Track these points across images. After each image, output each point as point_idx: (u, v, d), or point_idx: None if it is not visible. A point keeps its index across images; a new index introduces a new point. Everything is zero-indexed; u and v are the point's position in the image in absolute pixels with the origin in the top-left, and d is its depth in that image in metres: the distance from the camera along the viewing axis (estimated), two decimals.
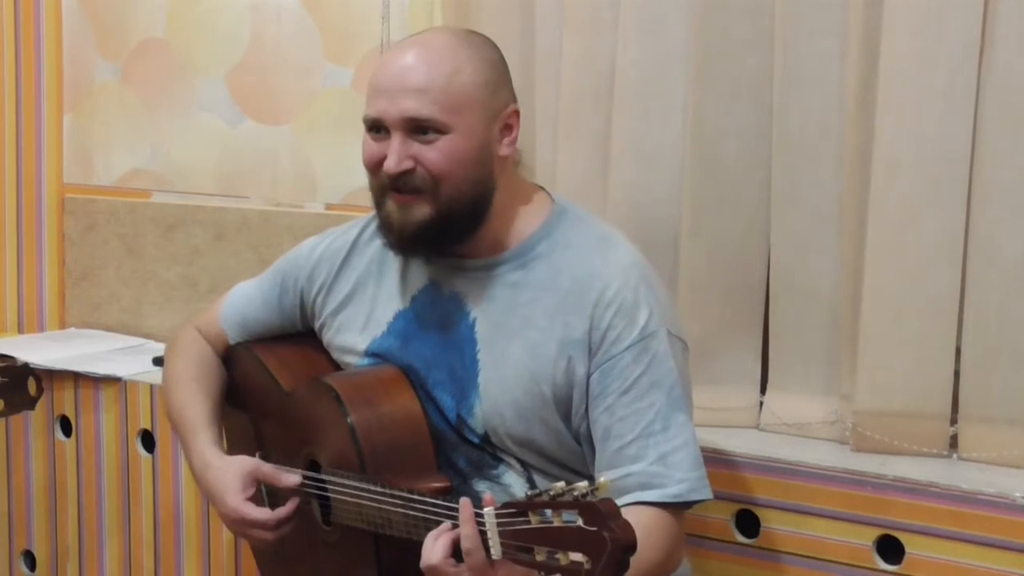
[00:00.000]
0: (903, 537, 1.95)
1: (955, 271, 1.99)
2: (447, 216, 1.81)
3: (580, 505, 1.43)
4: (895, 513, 1.95)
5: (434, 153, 1.79)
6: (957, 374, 2.03)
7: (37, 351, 2.86)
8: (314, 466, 1.93)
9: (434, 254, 1.89)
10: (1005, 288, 1.97)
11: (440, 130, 1.78)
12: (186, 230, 2.96)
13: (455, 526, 1.60)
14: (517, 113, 1.86)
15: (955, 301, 2.00)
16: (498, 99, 1.84)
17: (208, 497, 1.97)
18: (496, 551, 1.53)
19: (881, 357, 2.03)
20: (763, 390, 2.23)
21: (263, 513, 1.90)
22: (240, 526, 1.92)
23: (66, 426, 2.80)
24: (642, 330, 1.80)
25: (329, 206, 2.77)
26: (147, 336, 3.02)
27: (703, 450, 1.86)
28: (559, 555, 1.45)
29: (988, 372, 1.99)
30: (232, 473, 1.92)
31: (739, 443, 2.10)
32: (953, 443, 2.05)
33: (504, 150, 1.85)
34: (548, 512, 1.46)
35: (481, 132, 1.81)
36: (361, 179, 1.90)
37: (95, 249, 3.11)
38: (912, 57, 1.97)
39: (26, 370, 2.27)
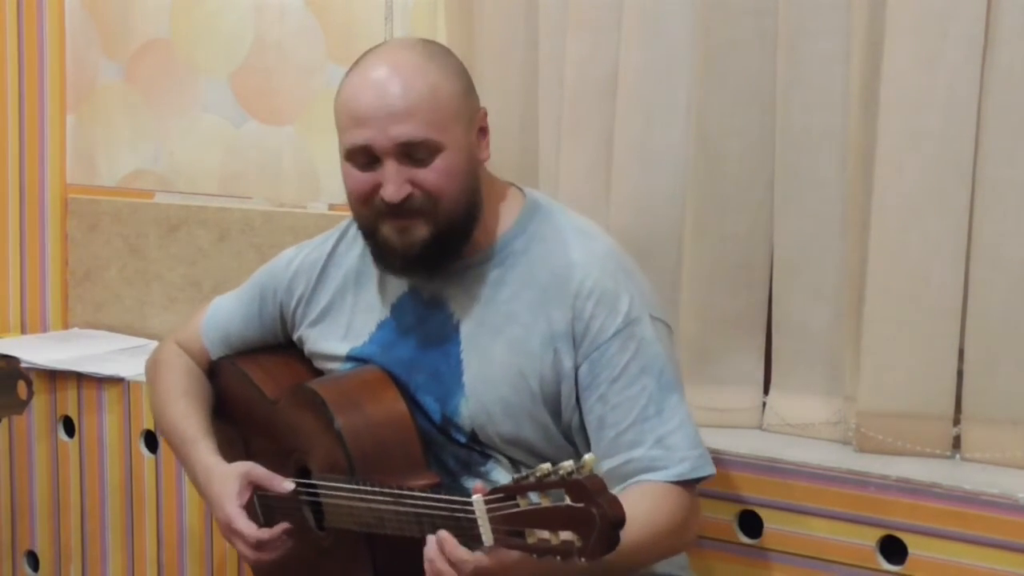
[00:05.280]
0: (906, 538, 1.94)
1: (958, 271, 1.99)
2: (446, 231, 1.81)
3: (567, 483, 1.43)
4: (898, 514, 1.95)
5: (432, 174, 1.78)
6: (960, 374, 2.03)
7: (40, 351, 2.86)
8: (304, 473, 1.93)
9: (438, 269, 1.88)
10: (1008, 288, 1.96)
11: (433, 149, 1.78)
12: (189, 231, 2.96)
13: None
14: (486, 114, 1.88)
15: (958, 301, 2.00)
16: (471, 105, 1.85)
17: (210, 505, 1.97)
18: (488, 538, 1.53)
19: (884, 358, 2.03)
20: (766, 391, 2.23)
21: (249, 528, 1.88)
22: (227, 532, 1.91)
23: (69, 427, 2.80)
24: (625, 317, 1.80)
25: (332, 206, 2.76)
26: (150, 337, 3.01)
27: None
28: (550, 535, 1.44)
29: (991, 373, 1.99)
30: (232, 478, 1.92)
31: (742, 444, 2.10)
32: (956, 444, 2.04)
33: (484, 154, 1.86)
34: (535, 494, 1.46)
35: (465, 142, 1.82)
36: None
37: (98, 249, 3.11)
38: (915, 57, 1.97)
39: (15, 373, 2.18)
